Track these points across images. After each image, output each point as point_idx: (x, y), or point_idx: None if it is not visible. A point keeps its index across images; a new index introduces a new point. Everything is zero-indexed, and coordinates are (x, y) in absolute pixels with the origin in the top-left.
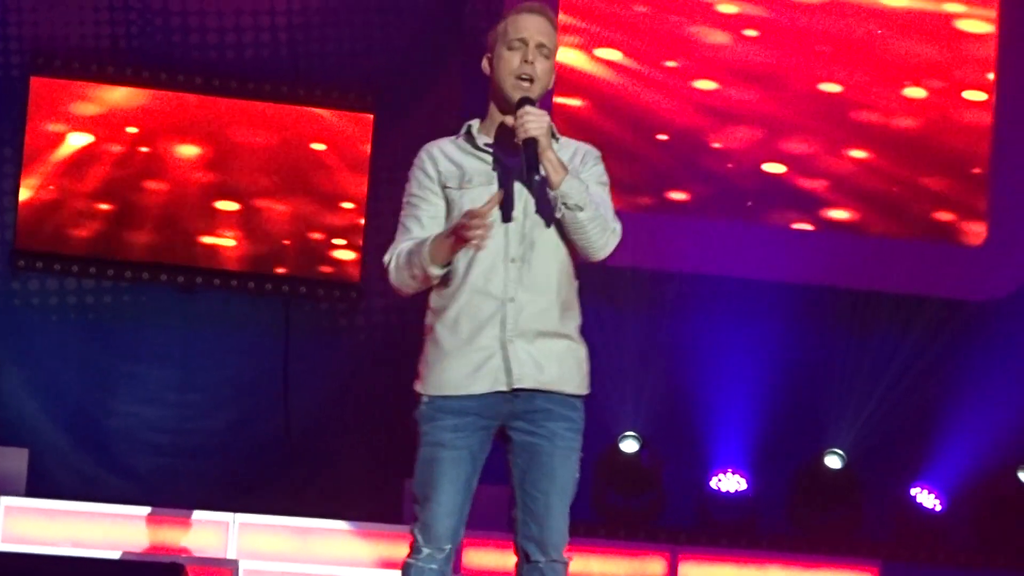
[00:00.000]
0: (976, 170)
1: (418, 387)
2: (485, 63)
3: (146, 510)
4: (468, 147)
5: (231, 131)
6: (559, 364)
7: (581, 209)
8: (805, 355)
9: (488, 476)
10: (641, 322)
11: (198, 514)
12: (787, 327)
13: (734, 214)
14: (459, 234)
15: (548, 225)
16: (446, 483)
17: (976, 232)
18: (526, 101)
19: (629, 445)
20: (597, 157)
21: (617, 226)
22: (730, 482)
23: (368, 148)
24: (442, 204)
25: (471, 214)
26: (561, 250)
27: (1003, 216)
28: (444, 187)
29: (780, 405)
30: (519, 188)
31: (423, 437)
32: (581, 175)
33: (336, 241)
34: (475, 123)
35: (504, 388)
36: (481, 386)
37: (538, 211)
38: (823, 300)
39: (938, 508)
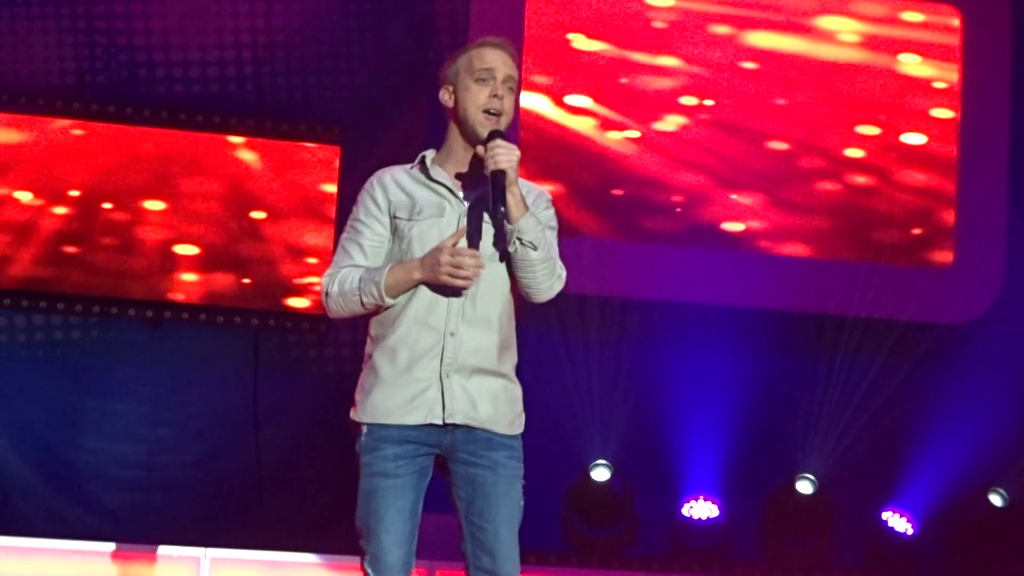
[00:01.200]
0: (943, 193)
1: (353, 415)
2: (445, 95)
3: (117, 546)
4: (422, 178)
5: (198, 164)
6: (493, 403)
7: (535, 248)
8: (775, 381)
9: (434, 505)
10: (610, 350)
11: (169, 549)
12: (756, 353)
13: (701, 241)
14: (447, 273)
15: (496, 263)
16: (392, 512)
17: (944, 255)
18: (497, 134)
19: (600, 474)
20: (548, 201)
21: (563, 272)
22: (702, 509)
23: (335, 179)
24: (387, 233)
25: (458, 252)
26: (505, 288)
27: (970, 239)
28: (393, 216)
29: (751, 431)
30: (461, 223)
31: (365, 468)
32: None
33: (304, 274)
34: (430, 153)
35: (438, 422)
36: (415, 417)
37: (484, 248)
38: (792, 325)
39: (910, 532)
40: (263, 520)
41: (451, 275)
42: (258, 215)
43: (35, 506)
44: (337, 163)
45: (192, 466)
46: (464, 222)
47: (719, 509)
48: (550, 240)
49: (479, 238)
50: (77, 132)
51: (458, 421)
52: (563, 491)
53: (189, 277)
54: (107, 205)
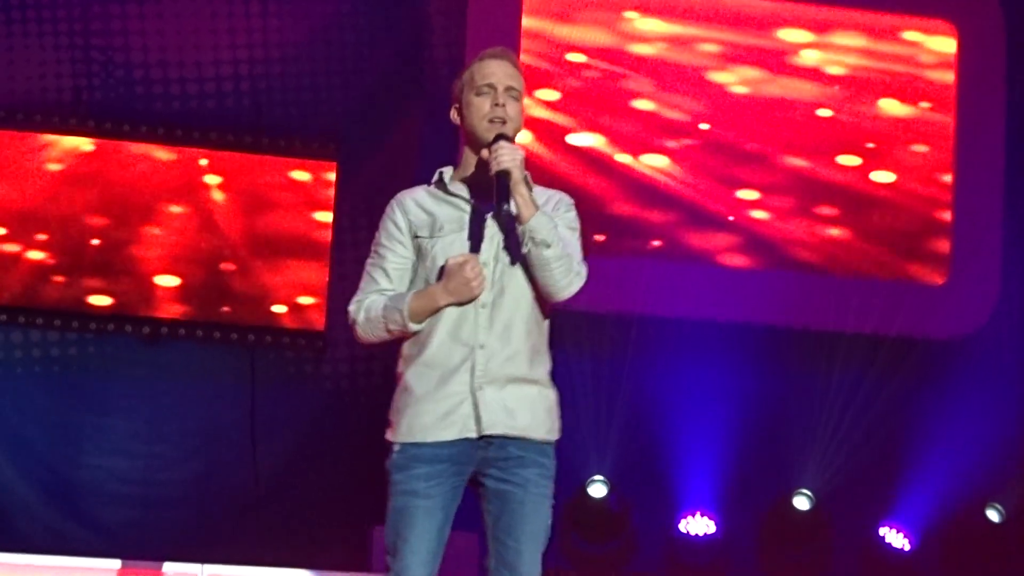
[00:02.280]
0: (939, 209)
1: (389, 435)
2: (454, 113)
3: (115, 563)
4: (440, 194)
5: (193, 181)
6: (530, 410)
7: (548, 246)
8: (772, 396)
9: (459, 523)
10: (607, 366)
11: (167, 566)
12: (753, 368)
13: (697, 256)
14: (466, 291)
15: (518, 269)
16: (420, 532)
17: (939, 271)
18: (502, 137)
19: (597, 489)
20: (570, 204)
21: (583, 269)
22: (699, 525)
23: (332, 196)
24: (410, 255)
25: (460, 266)
26: (530, 295)
27: (966, 255)
28: (415, 236)
29: (748, 447)
30: (490, 233)
31: (395, 487)
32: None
33: (301, 290)
34: (447, 170)
35: (473, 435)
36: (450, 433)
37: (508, 256)
38: (789, 341)
39: (907, 548)
40: (260, 536)
41: (469, 293)
42: (256, 230)
43: (32, 522)
44: (334, 179)
45: (189, 482)
46: (487, 232)
47: (716, 525)
48: (567, 238)
49: (499, 247)
50: (74, 148)
51: (497, 432)
52: (560, 507)
53: (185, 293)
54: (102, 220)
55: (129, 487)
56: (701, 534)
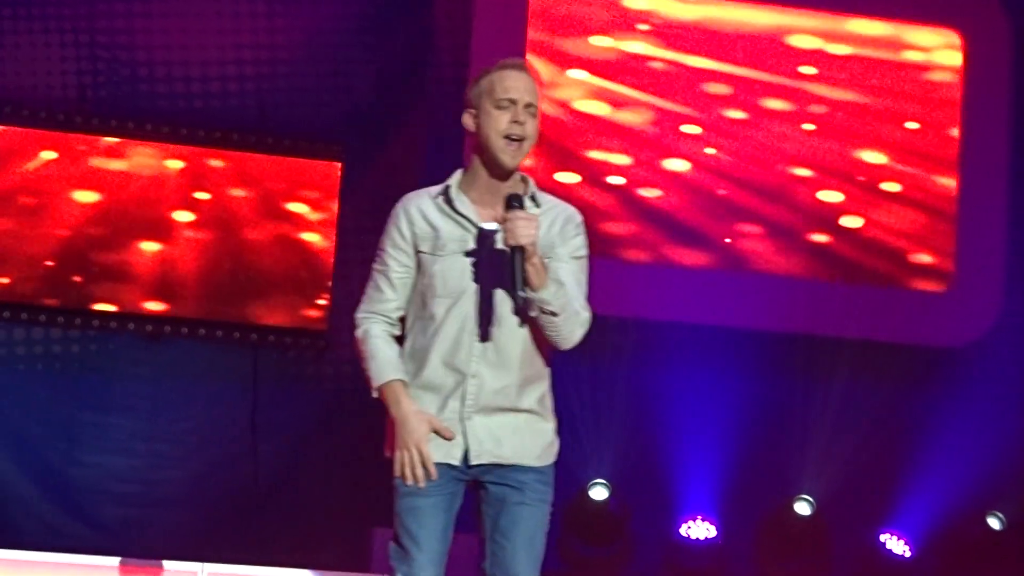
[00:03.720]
0: (941, 218)
1: (387, 452)
2: (468, 119)
3: (114, 561)
4: (447, 208)
5: (197, 180)
6: (519, 437)
7: (556, 315)
8: (773, 402)
9: (458, 525)
10: (608, 370)
11: (167, 564)
12: (755, 374)
13: (698, 261)
14: (400, 458)
15: (515, 303)
16: (426, 531)
17: (943, 278)
18: (514, 200)
19: (598, 493)
20: (579, 225)
21: (586, 315)
22: (699, 529)
23: (336, 196)
24: (413, 265)
25: (421, 458)
26: (526, 329)
27: (969, 262)
28: (417, 250)
29: (749, 452)
30: (488, 264)
31: (400, 489)
32: (557, 249)
33: (303, 290)
34: (455, 180)
35: (456, 463)
36: (437, 455)
37: (506, 289)
38: (790, 346)
39: (907, 554)
40: (261, 535)
41: (403, 457)
42: (259, 230)
43: (32, 520)
44: (338, 179)
45: (190, 481)
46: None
47: (716, 529)
48: (574, 278)
49: (500, 278)
50: (78, 145)
51: (484, 461)
52: (560, 510)
53: (187, 291)
54: (105, 218)
55: (130, 485)
56: (701, 538)
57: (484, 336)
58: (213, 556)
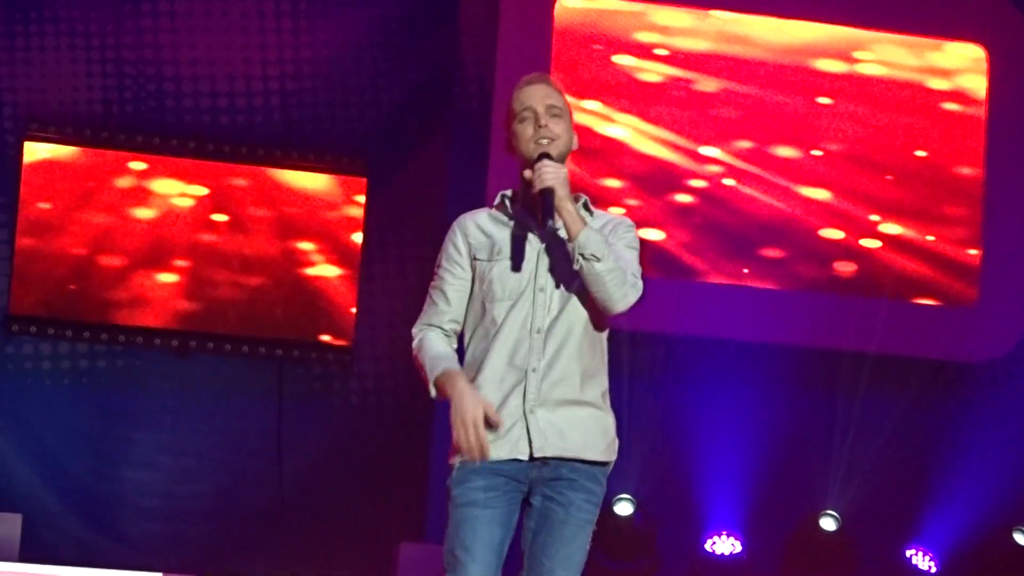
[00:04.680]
0: (969, 230)
1: (451, 457)
2: (509, 148)
3: (140, 575)
4: (502, 216)
5: (224, 195)
6: (582, 431)
7: (598, 260)
8: (799, 417)
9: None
10: (634, 385)
11: None
12: (779, 389)
13: (725, 276)
14: (457, 428)
15: (572, 294)
16: (482, 544)
17: (969, 293)
18: (545, 156)
19: (623, 508)
20: (630, 226)
21: (639, 283)
22: (725, 545)
23: (361, 211)
24: (468, 277)
25: (477, 428)
26: (585, 318)
27: (995, 277)
28: (474, 259)
29: (774, 467)
30: (544, 259)
31: (454, 501)
32: (609, 239)
33: (329, 304)
34: (510, 192)
35: (523, 457)
36: (500, 452)
37: (562, 282)
38: (816, 362)
39: (933, 570)
40: (286, 550)
41: (458, 431)
42: (285, 246)
43: (59, 534)
44: (363, 194)
45: (216, 495)
46: (545, 257)
47: (742, 545)
48: (626, 256)
49: (556, 271)
50: (106, 160)
51: (549, 454)
52: None
53: (214, 307)
54: (131, 233)
55: (156, 500)
56: (727, 554)
57: (543, 331)
58: (239, 570)
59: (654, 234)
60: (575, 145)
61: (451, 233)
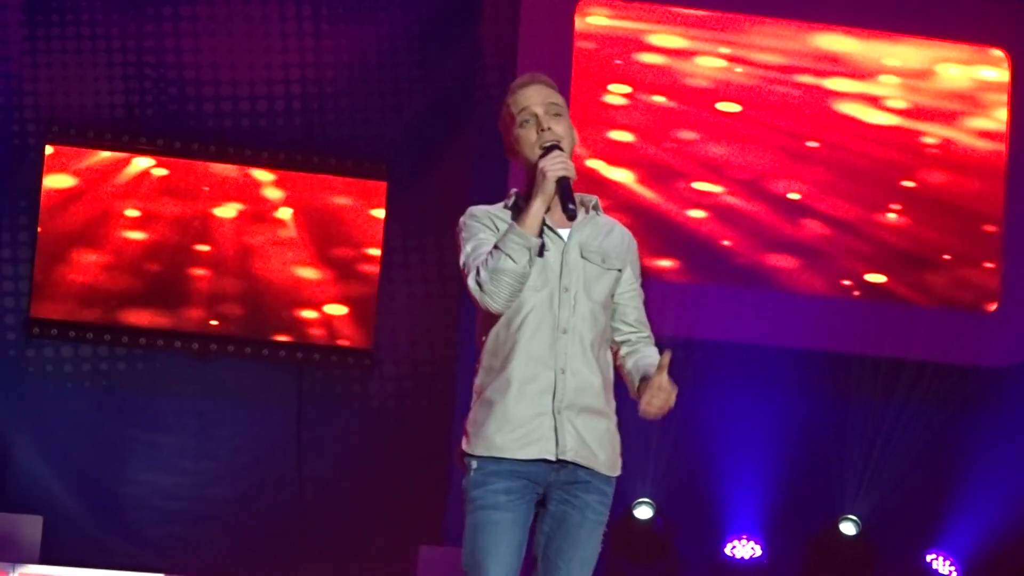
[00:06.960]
0: (990, 236)
1: (465, 446)
2: (509, 155)
3: None
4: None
5: (245, 199)
6: (601, 445)
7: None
8: (820, 421)
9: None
10: None
11: None
12: (801, 393)
13: (746, 280)
14: (556, 172)
15: (592, 299)
16: (503, 547)
17: (990, 298)
18: (554, 147)
19: (643, 512)
20: (636, 251)
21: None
22: (745, 549)
23: (382, 215)
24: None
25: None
26: (606, 328)
27: (1016, 282)
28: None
29: (795, 471)
30: (565, 259)
31: (473, 503)
32: (627, 269)
33: (349, 308)
34: (518, 194)
35: (551, 457)
36: (530, 452)
37: (584, 283)
38: (837, 366)
39: (954, 575)
40: (306, 553)
41: (547, 173)
42: (305, 251)
43: (79, 536)
44: (384, 199)
45: (236, 498)
46: (563, 258)
47: (762, 549)
48: (637, 299)
49: (574, 274)
50: (128, 164)
51: (569, 458)
52: (606, 530)
53: (233, 310)
54: (153, 237)
55: (176, 503)
56: (747, 558)
57: (569, 332)
58: (259, 574)
59: (674, 238)
60: (576, 141)
61: (467, 216)
